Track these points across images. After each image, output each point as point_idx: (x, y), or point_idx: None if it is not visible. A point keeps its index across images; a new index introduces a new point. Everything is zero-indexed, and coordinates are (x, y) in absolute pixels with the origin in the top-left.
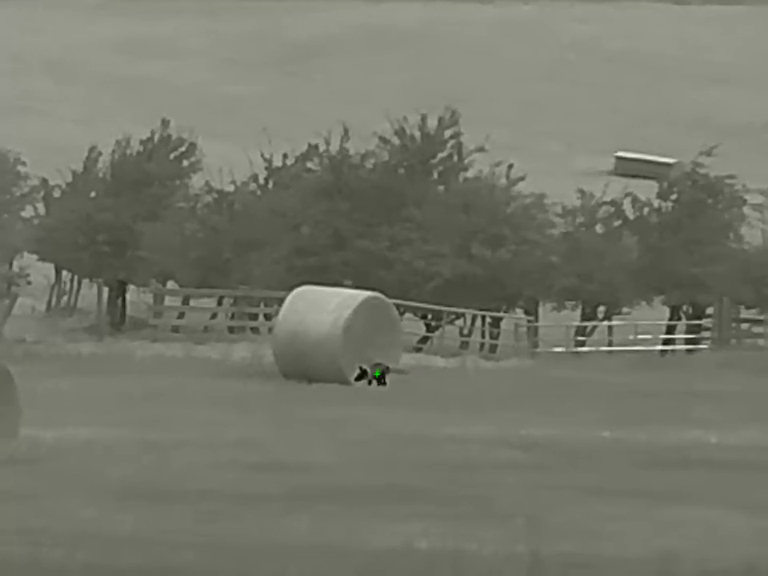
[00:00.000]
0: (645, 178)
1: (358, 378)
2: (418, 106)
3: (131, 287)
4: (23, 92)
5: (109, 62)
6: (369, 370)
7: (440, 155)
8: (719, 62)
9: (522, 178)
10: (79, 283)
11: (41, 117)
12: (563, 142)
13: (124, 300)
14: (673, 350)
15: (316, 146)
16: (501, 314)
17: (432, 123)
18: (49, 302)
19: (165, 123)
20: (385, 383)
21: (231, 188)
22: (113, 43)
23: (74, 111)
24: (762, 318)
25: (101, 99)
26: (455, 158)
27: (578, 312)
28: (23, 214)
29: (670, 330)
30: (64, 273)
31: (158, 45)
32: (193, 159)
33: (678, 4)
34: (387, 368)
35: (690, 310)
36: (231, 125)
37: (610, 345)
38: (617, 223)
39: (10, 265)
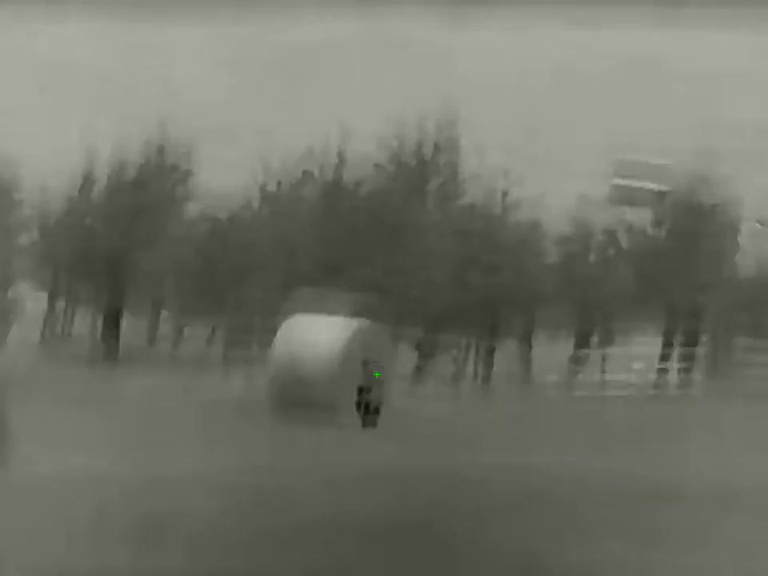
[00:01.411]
0: (640, 205)
1: (358, 405)
2: (413, 128)
3: (126, 315)
4: (17, 106)
5: (106, 69)
6: (365, 386)
7: (435, 181)
8: (718, 65)
9: (516, 206)
10: (73, 311)
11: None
12: (559, 167)
13: (118, 328)
14: (666, 378)
15: (311, 173)
16: (494, 344)
17: (428, 149)
18: (43, 331)
19: (160, 150)
20: (376, 416)
21: (225, 215)
22: (111, 50)
23: (70, 125)
24: (757, 346)
25: (93, 118)
26: (450, 184)
27: (572, 341)
28: (19, 241)
29: (665, 357)
30: (58, 301)
31: (156, 50)
32: (188, 186)
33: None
34: (379, 404)
35: (684, 338)
36: (227, 141)
37: (603, 373)
38: (611, 251)
39: (5, 293)
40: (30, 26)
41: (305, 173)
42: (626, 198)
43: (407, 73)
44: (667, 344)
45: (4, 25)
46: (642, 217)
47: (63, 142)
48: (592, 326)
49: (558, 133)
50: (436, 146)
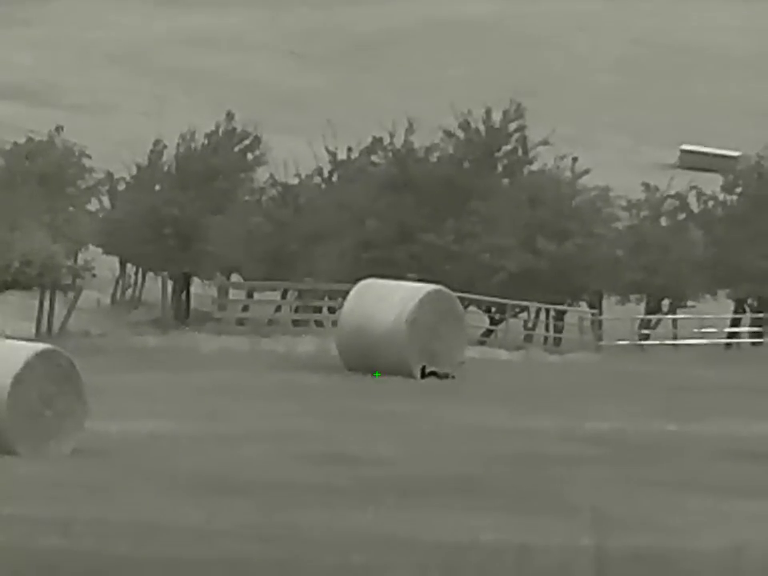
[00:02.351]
0: (710, 171)
1: (422, 374)
2: (484, 99)
3: (196, 280)
4: (89, 86)
5: (175, 55)
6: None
7: (504, 148)
8: None
9: (586, 172)
10: (144, 276)
11: (106, 110)
12: (630, 135)
13: (188, 293)
14: (738, 344)
15: (380, 140)
16: (565, 308)
17: (497, 116)
18: (113, 296)
19: (229, 116)
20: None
21: (296, 181)
22: (179, 36)
23: (140, 105)
24: None
25: (167, 93)
26: (520, 151)
27: (643, 305)
28: (88, 207)
29: (735, 323)
30: (129, 266)
31: (224, 38)
32: (257, 152)
33: None
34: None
35: (755, 304)
36: (296, 119)
37: (674, 338)
38: (681, 216)
39: (75, 258)
40: (99, 17)
41: (374, 139)
42: (697, 162)
43: (478, 47)
44: (738, 309)
45: (75, 15)
46: (712, 182)
47: (135, 109)
48: (662, 290)
49: (628, 99)
50: (505, 114)
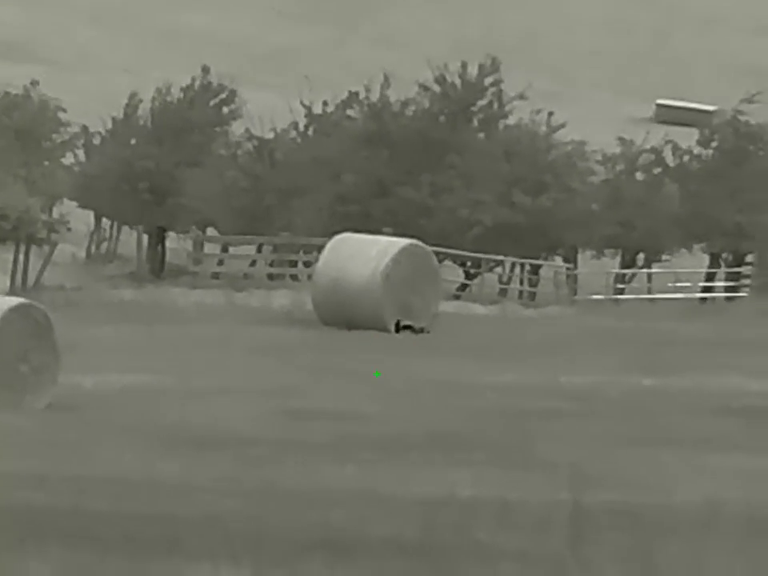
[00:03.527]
0: (686, 125)
1: (397, 328)
2: (463, 54)
3: (171, 234)
4: (69, 43)
5: (157, 11)
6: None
7: (480, 103)
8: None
9: (562, 126)
10: (119, 230)
11: (86, 66)
12: (608, 90)
13: (164, 247)
14: (713, 298)
15: (356, 94)
16: (540, 262)
17: (473, 71)
18: (89, 249)
19: (205, 70)
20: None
21: (271, 135)
22: None
23: (120, 61)
24: None
25: (148, 49)
26: (496, 105)
27: (617, 260)
28: (63, 161)
29: (710, 277)
30: (104, 220)
31: None
32: (233, 106)
33: None
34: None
35: (730, 258)
36: (276, 75)
37: (649, 292)
38: (657, 170)
39: (51, 212)
40: None
41: (350, 93)
42: (673, 116)
43: (460, 3)
44: (713, 263)
45: None
46: (688, 136)
47: (115, 65)
48: (638, 244)
49: (607, 55)
50: (481, 68)
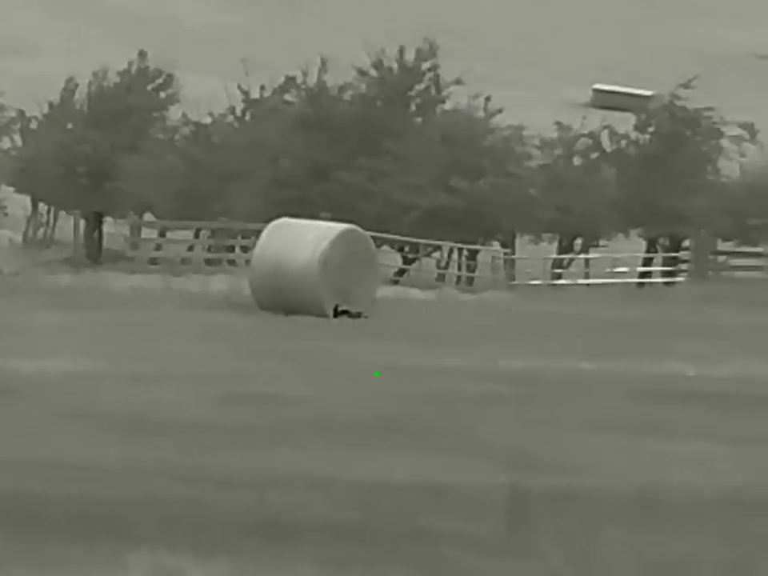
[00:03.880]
0: (623, 110)
1: (335, 313)
2: (401, 38)
3: (108, 219)
4: (6, 26)
5: None
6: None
7: (417, 87)
8: None
9: (500, 111)
10: (56, 215)
11: (24, 50)
12: (546, 75)
13: (101, 232)
14: (650, 283)
15: (294, 78)
16: (478, 247)
17: (410, 55)
18: (26, 234)
19: (142, 54)
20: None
21: (209, 120)
22: None
23: (58, 44)
24: (739, 250)
25: (86, 32)
26: (433, 90)
27: (555, 245)
28: (0, 145)
29: (647, 262)
30: (41, 205)
31: None
32: (170, 91)
33: None
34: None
35: (667, 243)
36: (214, 58)
37: (587, 277)
38: (595, 155)
39: None
40: None
41: (287, 78)
42: (610, 101)
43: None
44: (650, 248)
45: None
46: (625, 121)
47: (53, 48)
48: (576, 229)
49: (546, 39)
50: (418, 52)
